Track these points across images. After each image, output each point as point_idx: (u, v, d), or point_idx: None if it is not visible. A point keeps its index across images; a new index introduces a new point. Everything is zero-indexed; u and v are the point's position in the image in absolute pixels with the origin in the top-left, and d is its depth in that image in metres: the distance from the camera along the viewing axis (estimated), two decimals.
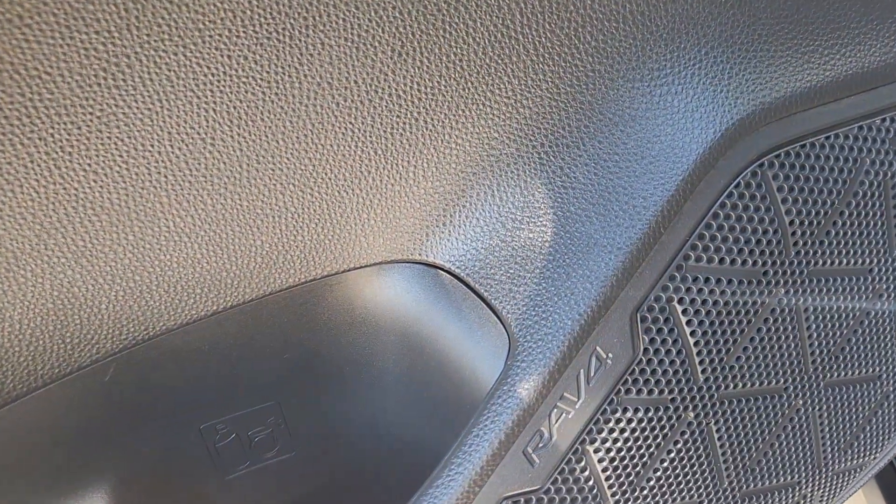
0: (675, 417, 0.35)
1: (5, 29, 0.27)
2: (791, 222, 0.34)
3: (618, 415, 0.34)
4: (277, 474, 0.43)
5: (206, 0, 0.28)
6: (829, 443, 0.40)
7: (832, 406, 0.39)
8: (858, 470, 0.43)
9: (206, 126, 0.31)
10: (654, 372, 0.34)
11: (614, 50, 0.33)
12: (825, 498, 0.43)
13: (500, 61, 0.33)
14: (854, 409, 0.40)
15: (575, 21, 0.32)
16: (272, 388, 0.41)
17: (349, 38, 0.31)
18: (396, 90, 0.32)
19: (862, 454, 0.42)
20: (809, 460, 0.40)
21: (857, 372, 0.39)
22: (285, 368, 0.40)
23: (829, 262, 0.36)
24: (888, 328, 0.39)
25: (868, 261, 0.37)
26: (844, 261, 0.36)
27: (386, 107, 0.33)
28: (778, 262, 0.34)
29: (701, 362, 0.34)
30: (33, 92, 0.28)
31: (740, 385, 0.36)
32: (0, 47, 0.27)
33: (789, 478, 0.40)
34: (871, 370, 0.40)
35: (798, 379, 0.37)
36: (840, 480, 0.42)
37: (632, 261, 0.33)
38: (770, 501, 0.40)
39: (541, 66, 0.33)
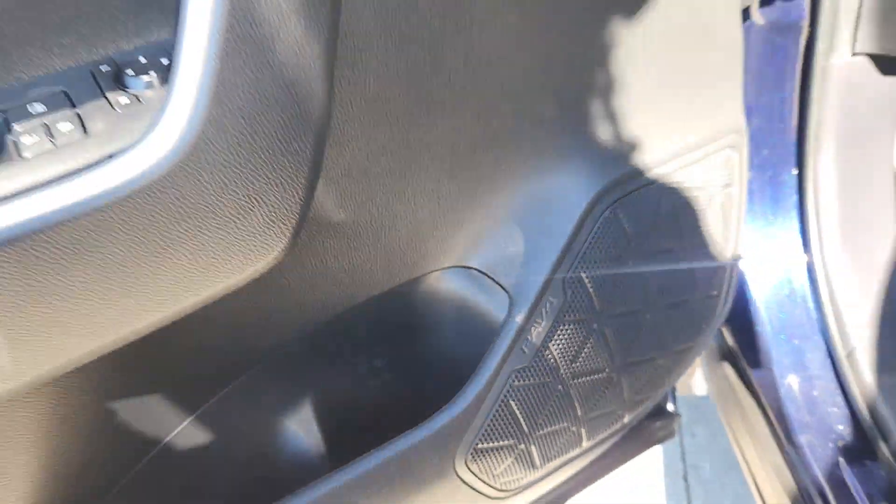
0: (588, 327, 0.74)
1: None
2: (631, 232, 0.74)
3: (561, 327, 0.73)
4: (381, 385, 0.81)
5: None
6: (667, 335, 0.80)
7: (666, 317, 0.79)
8: (687, 351, 0.83)
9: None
10: (575, 306, 0.73)
11: (535, 164, 0.72)
12: (672, 368, 0.83)
13: (488, 172, 0.71)
14: (677, 319, 0.80)
15: (513, 148, 0.70)
16: (383, 339, 0.78)
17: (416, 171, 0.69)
18: (448, 193, 0.70)
19: (684, 342, 0.83)
20: (657, 345, 0.80)
21: (674, 300, 0.79)
22: (390, 327, 0.78)
23: (653, 248, 0.76)
24: (685, 277, 0.80)
25: (675, 246, 0.77)
26: (664, 247, 0.76)
27: (445, 204, 0.71)
28: (626, 250, 0.74)
29: (598, 299, 0.74)
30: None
31: (617, 309, 0.75)
32: None
33: (649, 355, 0.80)
34: (679, 299, 0.80)
35: (644, 304, 0.77)
36: (678, 357, 0.83)
37: (559, 259, 0.72)
38: (642, 369, 0.80)
39: (505, 170, 0.71)
